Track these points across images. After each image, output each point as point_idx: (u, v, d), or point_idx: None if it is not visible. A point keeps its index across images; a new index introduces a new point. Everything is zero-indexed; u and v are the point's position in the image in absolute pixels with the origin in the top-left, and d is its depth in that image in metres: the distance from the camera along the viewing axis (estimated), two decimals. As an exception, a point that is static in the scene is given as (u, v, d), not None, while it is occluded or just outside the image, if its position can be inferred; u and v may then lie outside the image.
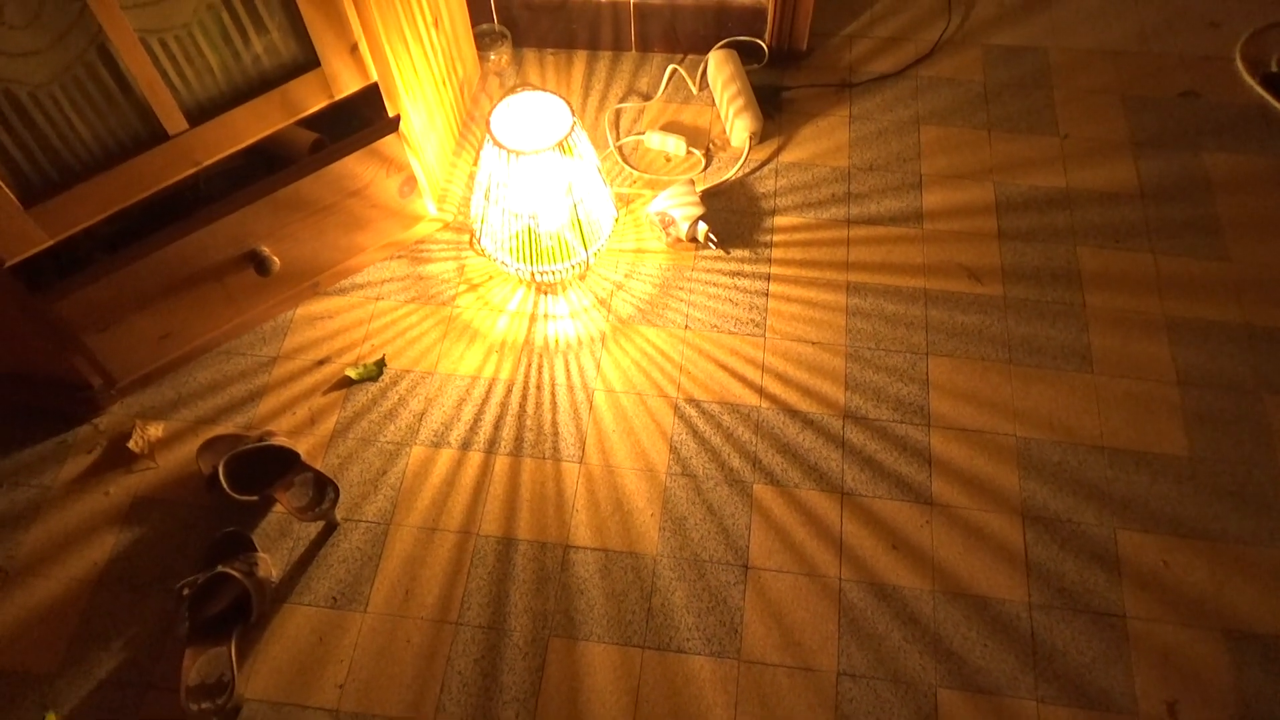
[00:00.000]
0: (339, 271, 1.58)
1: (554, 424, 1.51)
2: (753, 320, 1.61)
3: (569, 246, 1.55)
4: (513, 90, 1.91)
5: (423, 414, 1.53)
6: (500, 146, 1.40)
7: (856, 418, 1.50)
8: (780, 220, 1.72)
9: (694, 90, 1.90)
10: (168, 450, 1.50)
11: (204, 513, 1.43)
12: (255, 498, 1.39)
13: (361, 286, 1.66)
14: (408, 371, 1.57)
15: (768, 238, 1.70)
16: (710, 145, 1.83)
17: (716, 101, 1.86)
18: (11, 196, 1.13)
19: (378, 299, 1.65)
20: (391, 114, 1.41)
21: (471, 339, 1.60)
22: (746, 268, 1.67)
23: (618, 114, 1.88)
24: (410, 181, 1.49)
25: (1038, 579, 1.34)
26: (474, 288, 1.67)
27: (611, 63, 1.97)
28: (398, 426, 1.51)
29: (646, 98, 1.91)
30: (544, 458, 1.48)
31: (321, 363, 1.58)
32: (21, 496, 1.46)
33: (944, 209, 1.72)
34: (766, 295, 1.63)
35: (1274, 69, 1.89)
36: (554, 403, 1.53)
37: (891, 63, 1.94)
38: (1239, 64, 1.91)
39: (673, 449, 1.48)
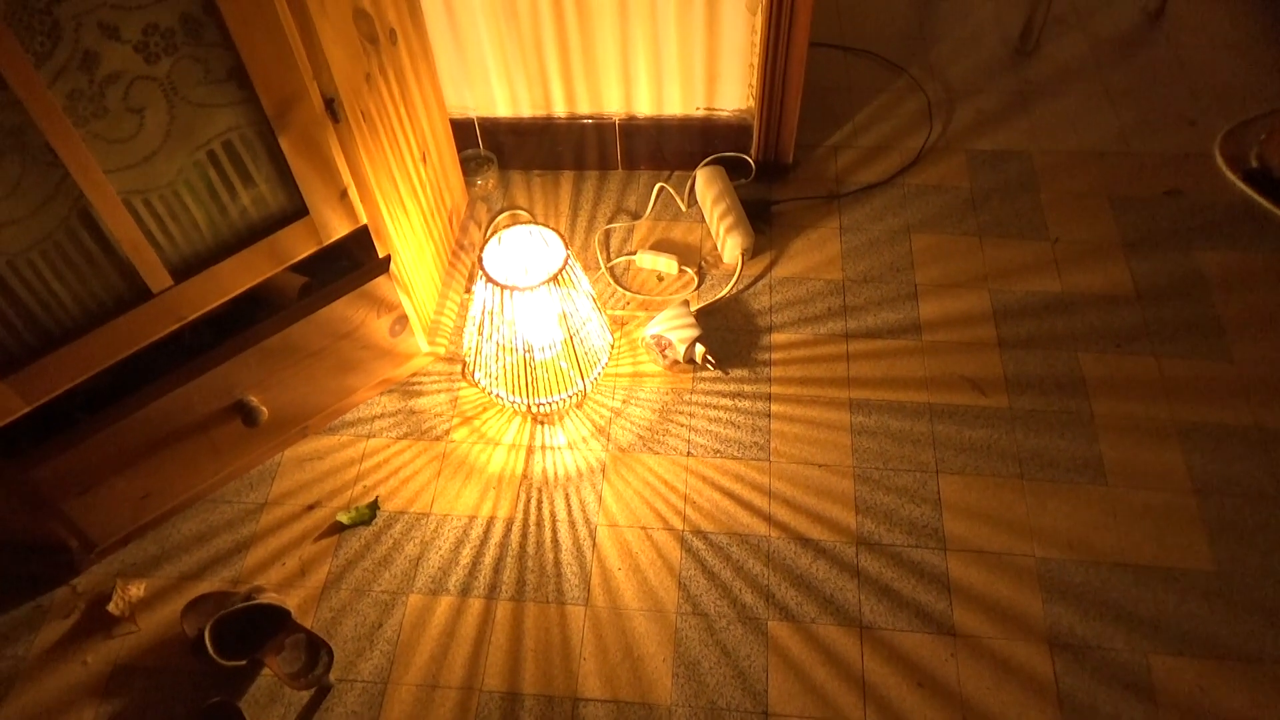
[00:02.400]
0: (330, 413, 1.53)
1: (556, 564, 1.45)
2: (756, 444, 1.57)
3: (565, 377, 1.52)
4: (501, 213, 1.90)
5: (419, 559, 1.46)
6: (493, 283, 1.37)
7: (870, 544, 1.45)
8: (778, 337, 1.70)
9: (683, 207, 1.90)
10: (150, 611, 1.43)
11: (190, 679, 1.35)
12: (244, 662, 1.31)
13: (352, 424, 1.61)
14: (402, 513, 1.51)
15: (766, 356, 1.67)
16: (703, 263, 1.81)
17: (706, 218, 1.85)
18: (-13, 368, 1.08)
19: (369, 436, 1.60)
20: (382, 254, 1.39)
21: (467, 475, 1.55)
22: (747, 388, 1.63)
23: (607, 234, 1.87)
24: (402, 320, 1.46)
25: (1071, 712, 1.27)
26: (467, 420, 1.62)
27: (598, 182, 1.97)
28: (393, 574, 1.45)
29: (635, 216, 1.90)
30: (548, 601, 1.41)
31: (311, 507, 1.52)
32: (-6, 669, 1.38)
33: (942, 319, 1.71)
34: (769, 416, 1.60)
35: (1254, 164, 1.91)
36: (555, 541, 1.47)
37: (878, 172, 1.95)
38: (1219, 161, 1.93)
39: (682, 586, 1.42)
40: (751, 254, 1.81)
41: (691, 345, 1.62)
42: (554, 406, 1.56)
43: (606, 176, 1.98)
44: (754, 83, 1.78)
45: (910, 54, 2.18)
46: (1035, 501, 1.48)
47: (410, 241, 1.48)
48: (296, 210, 1.23)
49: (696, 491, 1.52)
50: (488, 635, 1.38)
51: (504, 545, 1.47)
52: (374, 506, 1.51)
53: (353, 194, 1.27)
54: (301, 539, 1.49)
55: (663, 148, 1.92)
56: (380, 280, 1.36)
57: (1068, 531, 1.44)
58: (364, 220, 1.31)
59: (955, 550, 1.43)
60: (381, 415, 1.62)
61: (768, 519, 1.48)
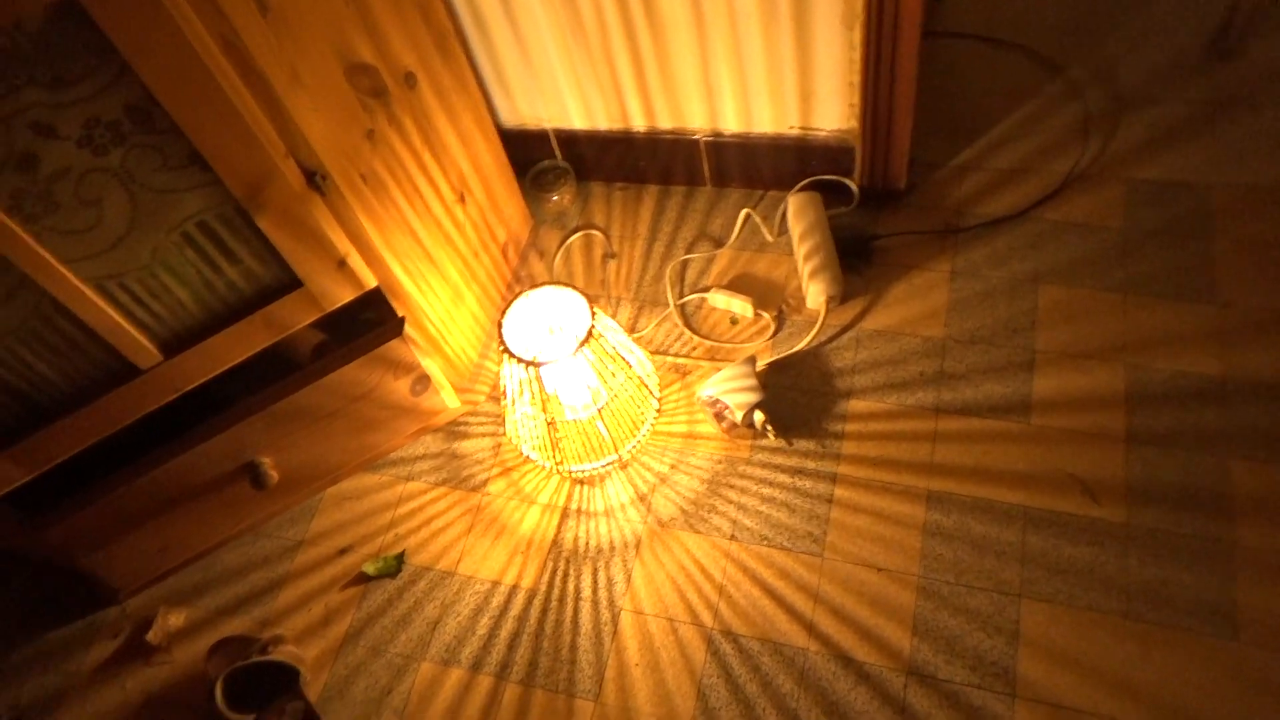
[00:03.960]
0: (362, 463, 1.49)
1: (573, 648, 1.35)
2: (810, 534, 1.38)
3: (602, 443, 1.39)
4: (574, 233, 1.76)
5: (437, 623, 1.41)
6: (512, 356, 1.25)
7: (923, 675, 1.25)
8: (856, 405, 1.49)
9: (769, 238, 1.69)
10: (186, 643, 1.46)
11: (206, 723, 1.37)
12: (251, 717, 1.31)
13: (394, 464, 1.56)
14: (428, 569, 1.46)
15: (839, 427, 1.47)
16: (783, 306, 1.61)
17: (795, 253, 1.64)
18: (-20, 445, 1.09)
19: (408, 479, 1.55)
20: (400, 314, 1.30)
21: (498, 534, 1.47)
22: (810, 464, 1.45)
23: (684, 265, 1.70)
24: (423, 380, 1.37)
25: None
26: (507, 472, 1.53)
27: (683, 200, 1.79)
28: (410, 636, 1.40)
29: (718, 243, 1.71)
30: (557, 691, 1.32)
31: (343, 551, 1.50)
32: (50, 683, 1.46)
33: (1059, 398, 1.43)
34: (830, 502, 1.41)
35: None
36: (575, 622, 1.37)
37: (1009, 202, 1.65)
38: None
39: (701, 695, 1.29)
40: (840, 300, 1.58)
41: (750, 411, 1.44)
42: (587, 474, 1.44)
43: (693, 194, 1.79)
44: (855, 103, 1.53)
45: (1073, 49, 1.82)
46: (1138, 650, 1.22)
47: (442, 291, 1.38)
48: (290, 281, 1.16)
49: (734, 584, 1.36)
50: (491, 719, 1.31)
51: (523, 619, 1.39)
52: (400, 559, 1.47)
53: (354, 261, 1.18)
54: (330, 585, 1.47)
55: (754, 166, 1.71)
56: (394, 344, 1.28)
57: (1174, 696, 1.18)
58: (372, 284, 1.23)
59: (1026, 699, 1.21)
60: (424, 456, 1.57)
61: (809, 628, 1.31)
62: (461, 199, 1.40)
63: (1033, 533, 1.33)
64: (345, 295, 1.20)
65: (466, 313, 1.47)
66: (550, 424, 1.32)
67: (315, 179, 1.08)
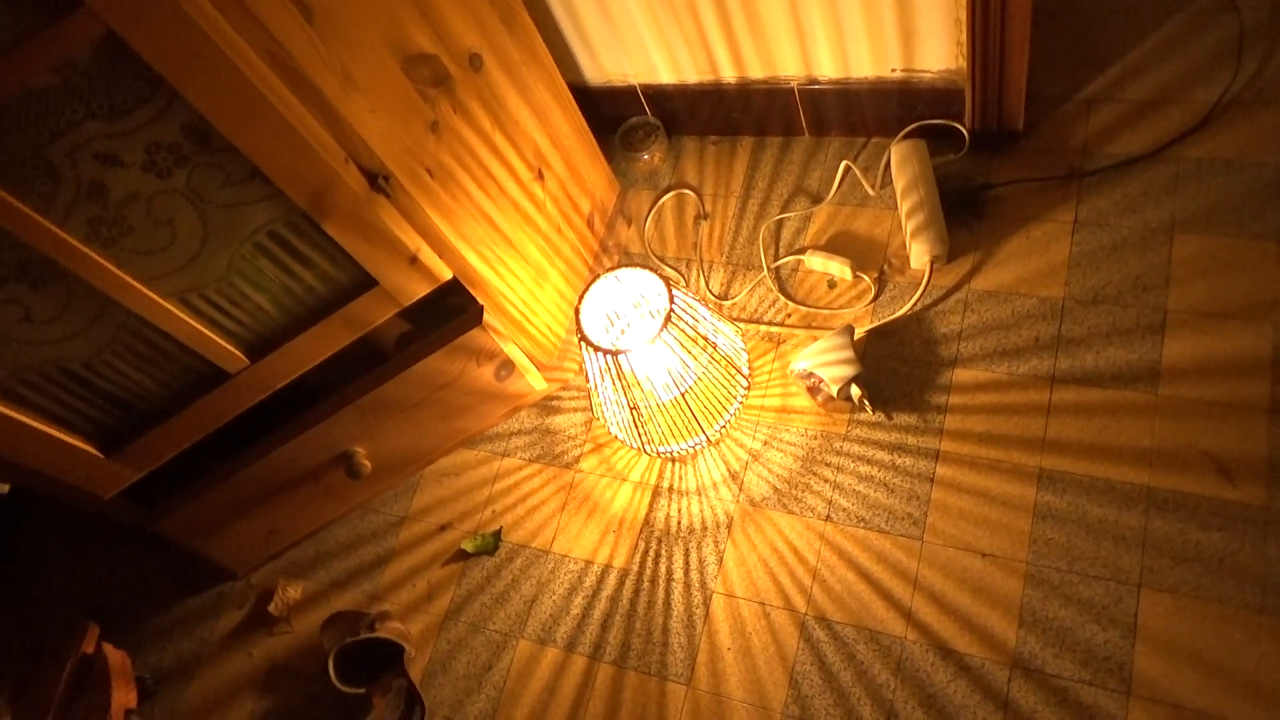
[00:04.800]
0: (449, 450, 1.51)
1: (665, 630, 1.35)
2: (910, 515, 1.32)
3: (689, 425, 1.36)
4: (667, 193, 1.70)
5: (533, 601, 1.43)
6: (589, 345, 1.23)
7: (1028, 669, 1.18)
8: (962, 375, 1.39)
9: (870, 191, 1.58)
10: (304, 614, 1.54)
11: (325, 692, 1.45)
12: (362, 690, 1.38)
13: (490, 440, 1.58)
14: (524, 547, 1.48)
15: (942, 399, 1.38)
16: (885, 266, 1.51)
17: (898, 208, 1.53)
18: (92, 450, 1.16)
19: (504, 455, 1.56)
20: (480, 301, 1.29)
21: (590, 512, 1.47)
22: (911, 440, 1.37)
23: (778, 225, 1.61)
24: (507, 365, 1.36)
25: None
26: (599, 448, 1.52)
27: (779, 152, 1.69)
28: (507, 614, 1.43)
29: (816, 199, 1.61)
30: (649, 673, 1.33)
31: (444, 528, 1.53)
32: (186, 648, 1.57)
33: (1194, 365, 1.29)
34: (931, 481, 1.33)
35: None
36: (668, 603, 1.37)
37: (1144, 139, 1.48)
38: None
39: (793, 682, 1.26)
40: (946, 259, 1.47)
41: (847, 385, 1.37)
42: (675, 454, 1.42)
43: (790, 145, 1.69)
44: (962, 40, 1.39)
45: (1228, -48, 1.59)
46: (1273, 649, 1.11)
47: (523, 273, 1.36)
48: (365, 281, 1.16)
49: (829, 567, 1.32)
50: (586, 699, 1.33)
51: (615, 600, 1.39)
52: (498, 536, 1.49)
53: (426, 255, 1.17)
54: (432, 561, 1.51)
55: (855, 113, 1.59)
56: (474, 333, 1.27)
57: (1314, 702, 1.08)
58: (448, 276, 1.21)
59: (1142, 698, 1.13)
60: (519, 432, 1.57)
61: (907, 616, 1.26)
62: (539, 176, 1.36)
63: (1157, 516, 1.22)
64: (421, 290, 1.20)
65: (551, 290, 1.45)
66: (634, 408, 1.29)
67: (378, 181, 1.06)
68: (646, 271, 1.26)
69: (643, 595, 1.39)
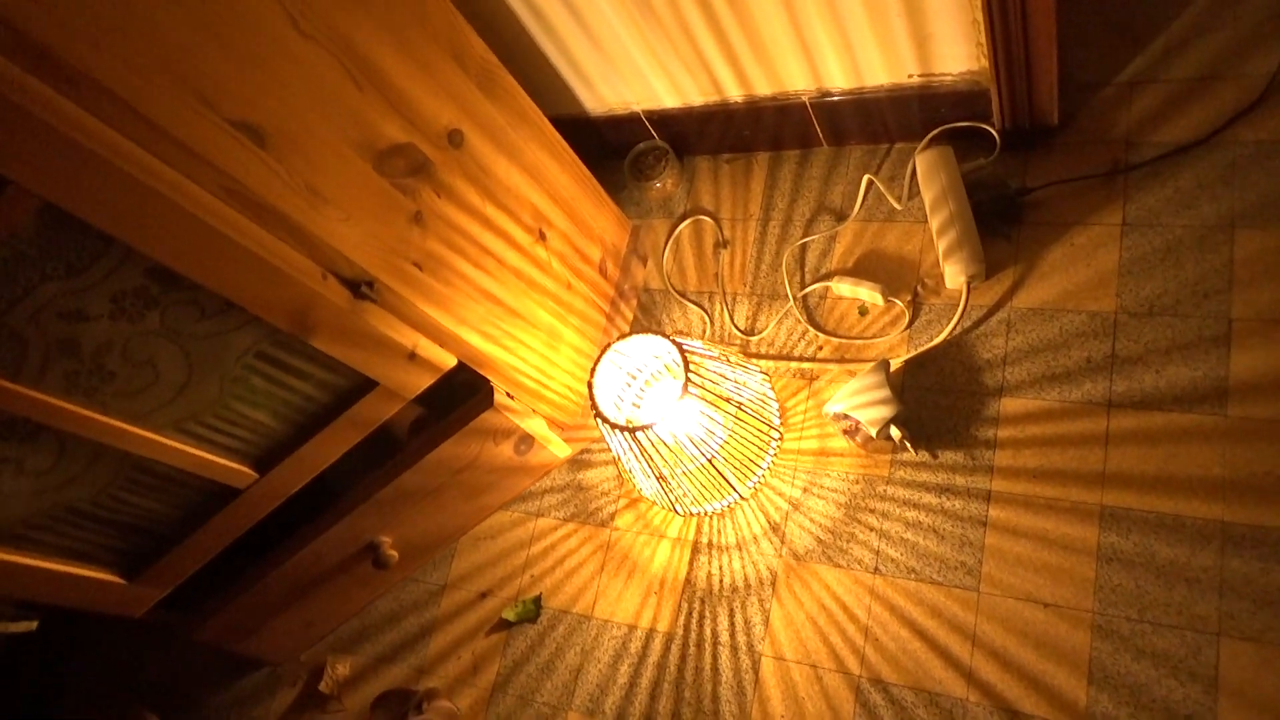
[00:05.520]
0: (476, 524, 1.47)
1: (714, 699, 1.30)
2: (963, 564, 1.24)
3: (719, 485, 1.29)
4: (684, 220, 1.61)
5: (579, 670, 1.39)
6: (605, 422, 1.17)
7: (1103, 730, 1.11)
8: (1010, 404, 1.30)
9: (896, 205, 1.47)
10: (354, 690, 1.53)
11: (379, 773, 1.44)
12: (415, 773, 1.37)
13: (524, 499, 1.53)
14: (565, 613, 1.44)
15: (990, 433, 1.29)
16: (919, 287, 1.41)
17: (929, 217, 1.42)
18: (115, 578, 1.15)
19: (538, 515, 1.52)
20: (490, 379, 1.24)
21: (630, 573, 1.42)
22: (959, 480, 1.28)
23: (802, 249, 1.52)
24: (526, 440, 1.31)
25: None
26: (633, 504, 1.47)
27: (798, 167, 1.59)
28: (554, 684, 1.40)
29: (840, 216, 1.52)
30: (702, 744, 1.28)
31: (484, 595, 1.50)
32: (245, 728, 1.58)
33: (1265, 379, 1.18)
34: (984, 524, 1.25)
35: None
36: (715, 669, 1.31)
37: (1195, 123, 1.35)
38: None
39: (852, 750, 1.21)
40: (984, 276, 1.37)
41: (886, 426, 1.29)
42: (710, 512, 1.35)
43: (808, 157, 1.59)
44: (982, 41, 1.27)
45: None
46: (1376, 702, 1.02)
47: (533, 340, 1.30)
48: (365, 382, 1.11)
49: (881, 625, 1.25)
50: (639, 774, 1.30)
51: (662, 666, 1.35)
52: (538, 602, 1.45)
53: (425, 349, 1.12)
54: (475, 631, 1.48)
55: (874, 122, 1.49)
56: (487, 415, 1.22)
57: None
58: (451, 363, 1.16)
59: (1230, 760, 1.05)
60: (551, 490, 1.53)
61: (967, 676, 1.19)
62: (540, 237, 1.30)
63: (1234, 555, 1.12)
64: (424, 382, 1.15)
65: (567, 349, 1.39)
66: (660, 478, 1.23)
67: (361, 289, 1.01)
68: (655, 337, 1.19)
69: (689, 661, 1.34)
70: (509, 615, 1.46)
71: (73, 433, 0.96)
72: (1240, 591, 1.11)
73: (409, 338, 1.09)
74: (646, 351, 1.25)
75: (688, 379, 1.14)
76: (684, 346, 1.16)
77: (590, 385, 1.18)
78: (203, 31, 0.81)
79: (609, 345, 1.20)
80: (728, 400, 1.21)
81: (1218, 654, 1.09)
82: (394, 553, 1.30)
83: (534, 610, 1.45)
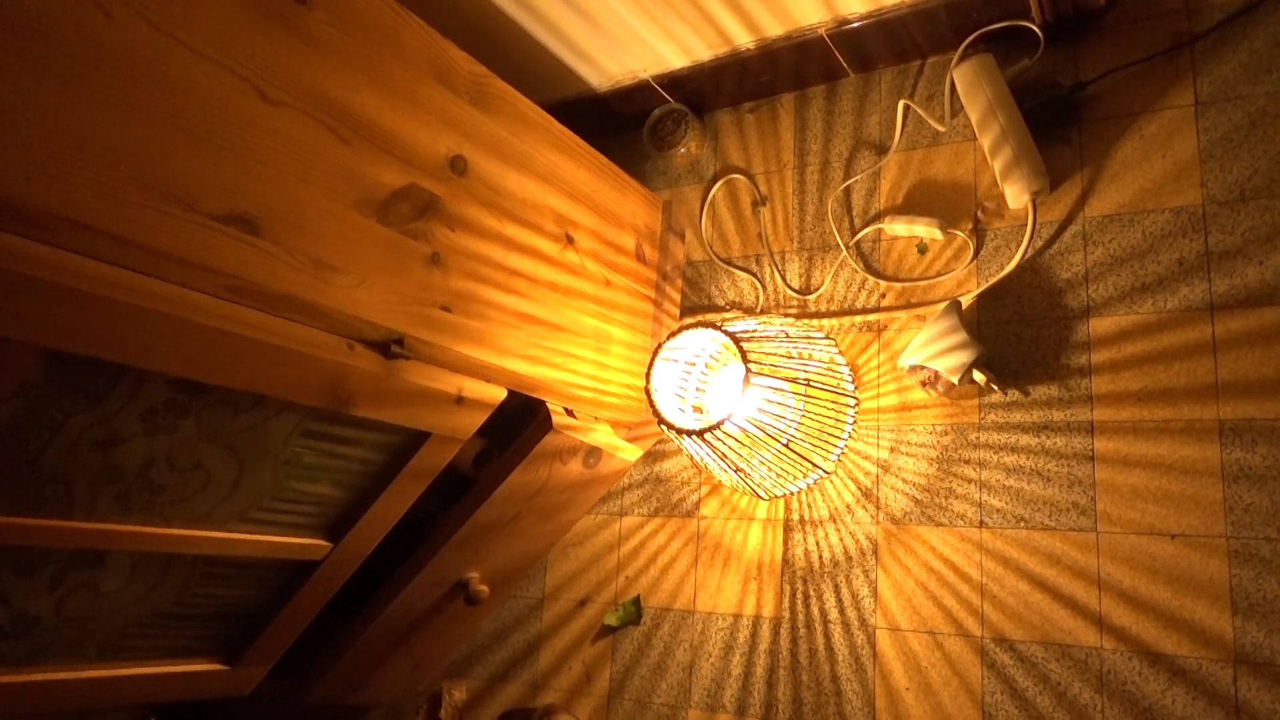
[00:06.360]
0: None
1: (834, 678, 1.26)
2: (1075, 504, 1.16)
3: (799, 465, 1.23)
4: (716, 182, 1.52)
5: (691, 666, 1.36)
6: (670, 428, 1.11)
7: (1255, 663, 1.03)
8: (1099, 324, 1.19)
9: (940, 127, 1.36)
10: (474, 714, 1.53)
11: (514, 793, 1.45)
12: (548, 792, 1.37)
13: (604, 500, 1.50)
14: (667, 610, 1.41)
15: (1083, 359, 1.19)
16: (979, 213, 1.31)
17: (977, 136, 1.31)
18: (217, 666, 1.15)
19: (622, 515, 1.48)
20: (544, 402, 1.19)
21: (725, 561, 1.38)
22: (1057, 415, 1.19)
23: (846, 193, 1.42)
24: (594, 453, 1.26)
25: None
26: (715, 489, 1.41)
27: (826, 102, 1.48)
28: (669, 684, 1.37)
29: (881, 149, 1.41)
30: (829, 727, 1.24)
31: (583, 603, 1.48)
32: (377, 764, 1.61)
33: (1388, 252, 1.06)
34: (1092, 459, 1.16)
35: None
36: (829, 648, 1.27)
37: (1263, -26, 1.20)
38: None
39: (986, 715, 1.15)
40: (1050, 188, 1.25)
41: (968, 372, 1.20)
42: (794, 492, 1.29)
43: (835, 91, 1.48)
44: (1008, -66, 1.14)
45: None
46: None
47: (581, 350, 1.24)
48: (418, 435, 1.07)
49: (996, 580, 1.18)
50: (770, 764, 1.27)
51: (774, 653, 1.31)
52: (638, 604, 1.43)
53: (471, 389, 1.07)
54: (580, 639, 1.47)
55: (900, 41, 1.36)
56: (547, 439, 1.17)
57: None
58: (502, 396, 1.12)
59: (1407, 678, 0.96)
60: (630, 487, 1.48)
61: (1098, 622, 1.12)
62: (568, 241, 1.23)
63: (1381, 454, 1.02)
64: (477, 420, 1.11)
65: (618, 348, 1.33)
66: (738, 470, 1.17)
67: (391, 349, 0.97)
68: (705, 330, 1.12)
69: (802, 643, 1.29)
70: (611, 621, 1.44)
71: (138, 550, 0.94)
72: (1391, 493, 1.00)
73: (452, 383, 1.05)
74: (699, 344, 1.18)
75: (747, 371, 1.07)
76: (737, 335, 1.08)
77: (648, 392, 1.12)
78: (167, 132, 0.75)
79: (660, 346, 1.14)
80: (794, 380, 1.14)
81: (1375, 565, 1.00)
82: (484, 587, 1.27)
83: (635, 613, 1.42)
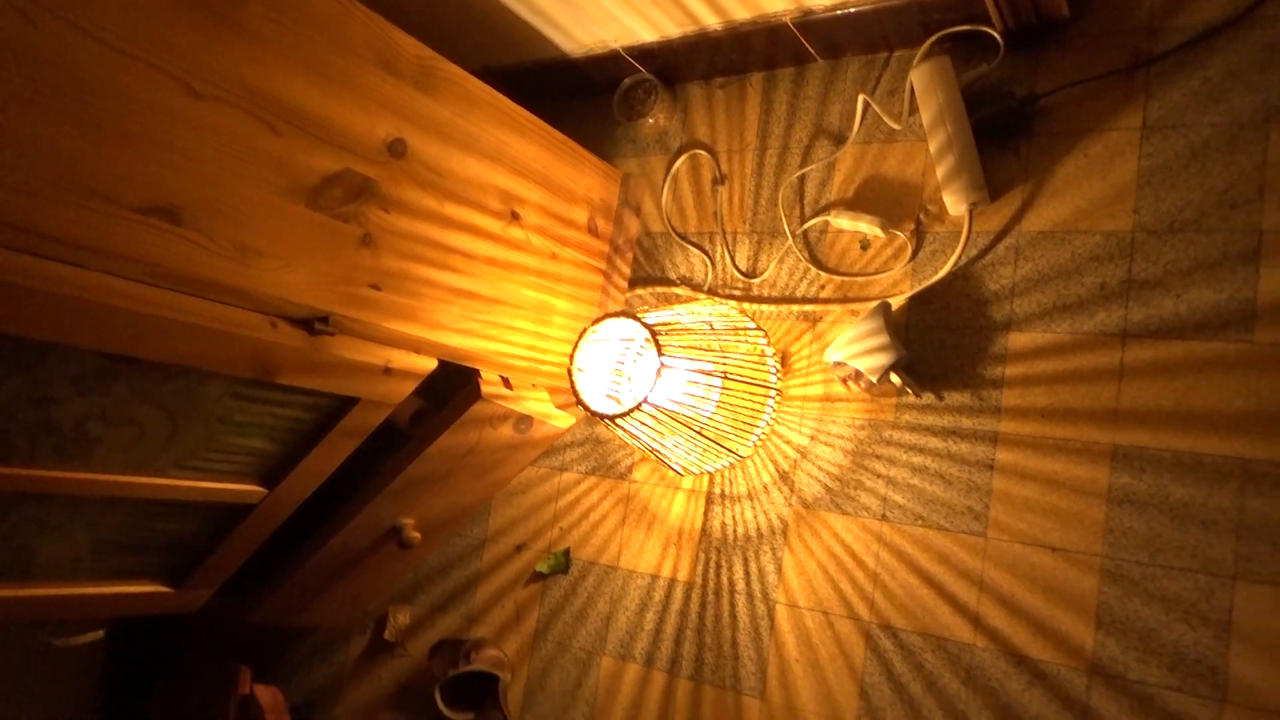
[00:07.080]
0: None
1: (734, 644, 1.35)
2: (970, 509, 1.22)
3: (716, 451, 1.29)
4: (680, 155, 1.55)
5: (609, 617, 1.46)
6: (589, 411, 1.17)
7: (1109, 675, 1.10)
8: (1018, 339, 1.23)
9: (894, 125, 1.37)
10: (415, 638, 1.65)
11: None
12: (470, 715, 1.49)
13: (548, 454, 1.58)
14: (593, 564, 1.50)
15: (998, 370, 1.24)
16: (921, 215, 1.33)
17: (927, 139, 1.32)
18: (163, 588, 1.26)
19: (562, 470, 1.56)
20: (476, 372, 1.25)
21: (649, 525, 1.46)
22: (966, 422, 1.24)
23: (800, 181, 1.44)
24: (524, 420, 1.33)
25: None
26: (647, 457, 1.49)
27: (794, 85, 1.48)
28: (588, 631, 1.47)
29: (839, 139, 1.42)
30: (724, 687, 1.34)
31: (519, 549, 1.58)
32: (327, 672, 1.74)
33: (1295, 301, 1.08)
34: (991, 468, 1.22)
35: None
36: (733, 616, 1.36)
37: (1227, 1, 1.18)
38: None
39: (864, 694, 1.24)
40: (989, 199, 1.27)
41: (885, 374, 1.25)
42: (709, 472, 1.36)
43: (804, 75, 1.48)
44: (966, -55, 1.13)
45: None
46: (1397, 649, 0.97)
47: (519, 322, 1.30)
48: (347, 400, 1.15)
49: (889, 571, 1.26)
50: (670, 715, 1.37)
51: (684, 614, 1.40)
52: (568, 556, 1.52)
53: (400, 360, 1.14)
54: (514, 582, 1.57)
55: (866, 33, 1.36)
56: (477, 406, 1.24)
57: None
58: (431, 366, 1.18)
59: (1239, 705, 1.03)
60: (571, 444, 1.56)
61: (974, 621, 1.19)
62: (513, 217, 1.27)
63: (1254, 494, 1.06)
64: (406, 388, 1.17)
65: (561, 319, 1.38)
66: (653, 451, 1.24)
67: (315, 326, 1.03)
68: (624, 320, 1.17)
69: (709, 608, 1.38)
70: (542, 568, 1.53)
71: (77, 494, 1.03)
72: (1259, 533, 1.05)
73: (379, 355, 1.11)
74: (622, 331, 1.23)
75: (661, 365, 1.12)
76: (653, 326, 1.13)
77: (570, 373, 1.18)
78: (90, 132, 0.80)
79: (583, 332, 1.19)
80: (710, 373, 1.19)
81: (1232, 598, 1.06)
82: (416, 534, 1.37)
83: (565, 563, 1.52)
